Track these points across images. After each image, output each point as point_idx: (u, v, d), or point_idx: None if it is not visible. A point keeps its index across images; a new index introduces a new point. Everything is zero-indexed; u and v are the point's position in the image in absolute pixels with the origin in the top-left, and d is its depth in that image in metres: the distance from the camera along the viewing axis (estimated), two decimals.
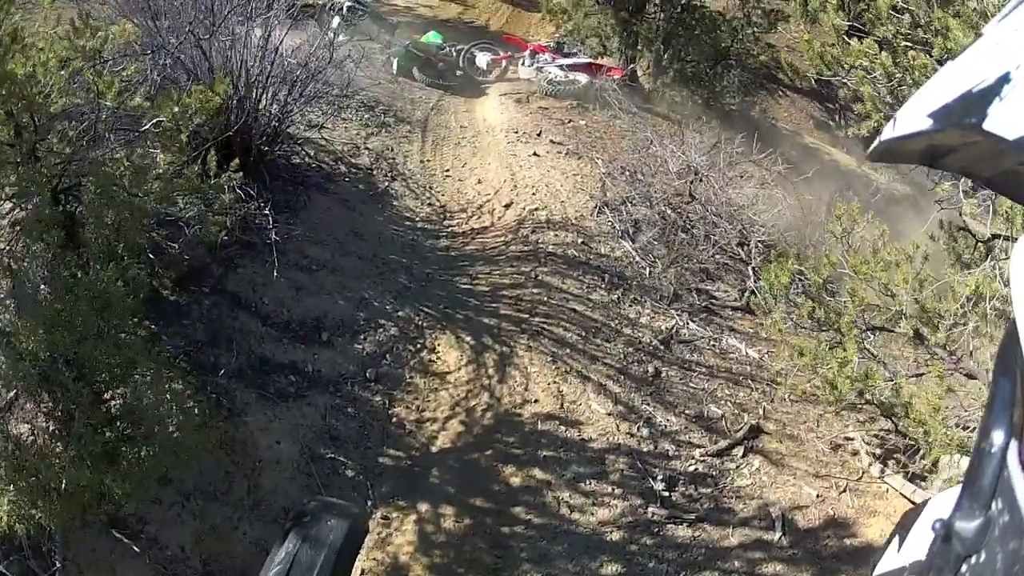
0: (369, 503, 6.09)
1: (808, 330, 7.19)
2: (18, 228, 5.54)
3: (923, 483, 6.96)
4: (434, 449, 6.68)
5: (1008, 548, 0.83)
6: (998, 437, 0.89)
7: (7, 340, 4.54)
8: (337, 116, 10.31)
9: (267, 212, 7.69)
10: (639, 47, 13.30)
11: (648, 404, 7.36)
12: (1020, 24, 0.82)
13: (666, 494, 6.68)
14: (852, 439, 7.45)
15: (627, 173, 10.36)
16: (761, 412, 7.55)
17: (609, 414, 7.14)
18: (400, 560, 5.85)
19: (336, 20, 12.22)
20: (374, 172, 9.78)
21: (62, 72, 4.92)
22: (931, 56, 6.56)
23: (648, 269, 8.87)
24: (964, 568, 0.89)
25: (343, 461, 6.34)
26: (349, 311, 7.52)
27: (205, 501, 5.71)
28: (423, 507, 6.20)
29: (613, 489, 6.61)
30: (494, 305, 8.03)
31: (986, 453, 0.90)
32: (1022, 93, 0.76)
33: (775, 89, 14.30)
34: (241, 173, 6.55)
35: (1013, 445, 0.88)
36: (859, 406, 6.81)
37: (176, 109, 5.48)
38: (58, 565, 4.95)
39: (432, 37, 13.50)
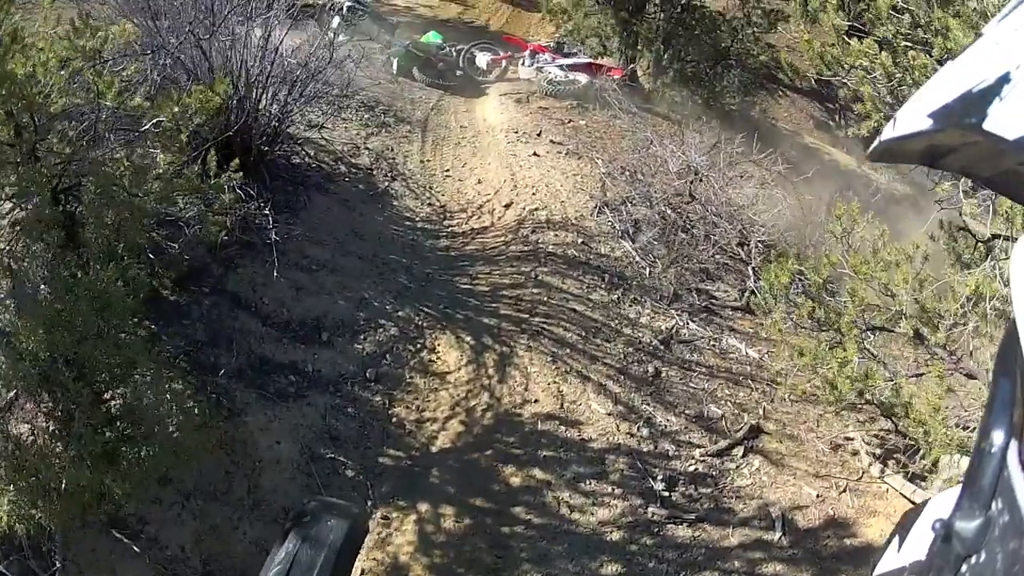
0: (369, 503, 6.09)
1: (808, 330, 7.19)
2: (18, 228, 5.54)
3: (923, 483, 6.96)
4: (434, 449, 6.68)
5: (1008, 548, 0.83)
6: (998, 437, 0.89)
7: (7, 340, 4.54)
8: (337, 116, 10.31)
9: (267, 212, 7.69)
10: (639, 47, 13.30)
11: (648, 404, 7.36)
12: (1020, 24, 0.82)
13: (666, 494, 6.68)
14: (852, 439, 7.45)
15: (627, 173, 10.36)
16: (761, 412, 7.55)
17: (609, 414, 7.14)
18: (400, 560, 5.85)
19: (336, 20, 12.22)
20: (374, 172, 9.78)
21: (62, 72, 4.92)
22: (931, 56, 6.55)
23: (648, 269, 8.87)
24: (964, 568, 0.89)
25: (343, 461, 6.34)
26: (349, 311, 7.52)
27: (205, 501, 5.71)
28: (423, 507, 6.20)
29: (613, 489, 6.61)
30: (494, 305, 8.03)
31: (986, 453, 0.90)
32: (1022, 93, 0.75)
33: (775, 89, 14.30)
34: (241, 173, 6.55)
35: (1013, 445, 0.87)
36: (859, 406, 6.81)
37: (176, 109, 5.48)
38: (58, 565, 4.95)
39: (432, 37, 13.50)
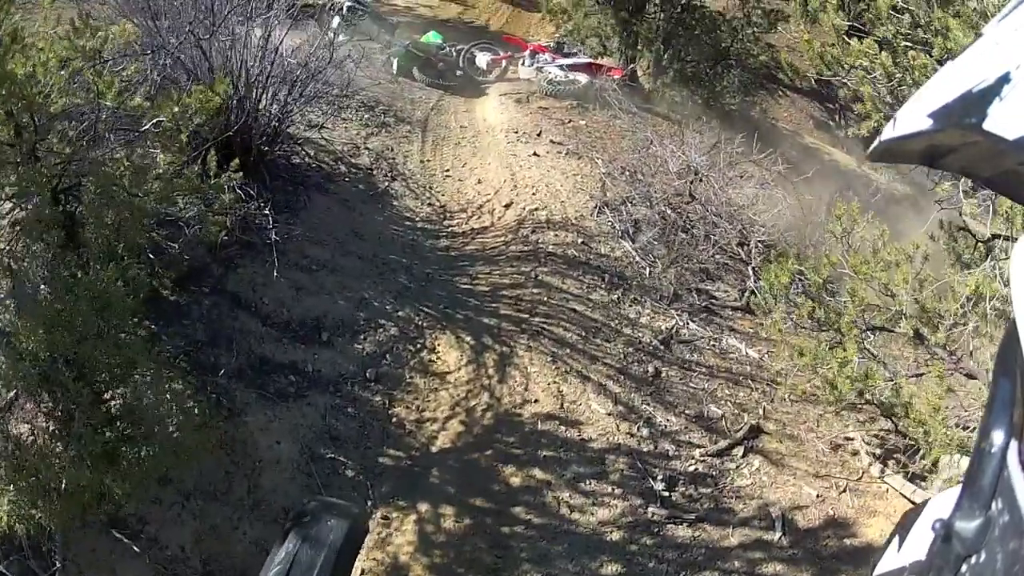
0: (369, 503, 6.09)
1: (808, 330, 7.19)
2: (18, 228, 5.54)
3: (923, 483, 6.96)
4: (434, 449, 6.68)
5: (1008, 548, 0.83)
6: (998, 437, 0.89)
7: (7, 340, 4.54)
8: (337, 116, 10.31)
9: (267, 212, 7.69)
10: (639, 47, 13.29)
11: (648, 404, 7.36)
12: (1020, 24, 0.82)
13: (666, 494, 6.67)
14: (852, 439, 7.45)
15: (627, 173, 10.36)
16: (761, 412, 7.55)
17: (609, 414, 7.14)
18: (400, 560, 5.85)
19: (336, 20, 12.21)
20: (374, 172, 9.78)
21: (62, 72, 4.92)
22: (931, 56, 6.55)
23: (648, 269, 8.87)
24: (964, 568, 0.89)
25: (343, 461, 6.34)
26: (349, 311, 7.52)
27: (205, 501, 5.71)
28: (423, 507, 6.20)
29: (613, 489, 6.61)
30: (494, 305, 8.03)
31: (986, 453, 0.90)
32: (1022, 93, 0.75)
33: (775, 89, 14.30)
34: (241, 173, 6.55)
35: (1013, 445, 0.87)
36: (859, 406, 6.81)
37: (176, 109, 5.48)
38: (58, 565, 4.95)
39: (432, 37, 13.49)
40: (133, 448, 4.75)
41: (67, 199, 5.38)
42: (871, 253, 6.64)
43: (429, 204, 9.62)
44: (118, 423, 4.83)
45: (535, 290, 8.19)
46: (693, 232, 9.43)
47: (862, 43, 7.28)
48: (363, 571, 5.68)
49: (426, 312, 7.75)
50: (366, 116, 10.77)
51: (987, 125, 0.77)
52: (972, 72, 0.82)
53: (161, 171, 5.62)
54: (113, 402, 5.02)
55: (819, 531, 6.70)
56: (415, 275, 8.25)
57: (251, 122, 7.86)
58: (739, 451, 7.18)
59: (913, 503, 6.34)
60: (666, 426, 7.22)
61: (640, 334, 8.08)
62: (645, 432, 7.11)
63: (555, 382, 7.29)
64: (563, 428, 6.97)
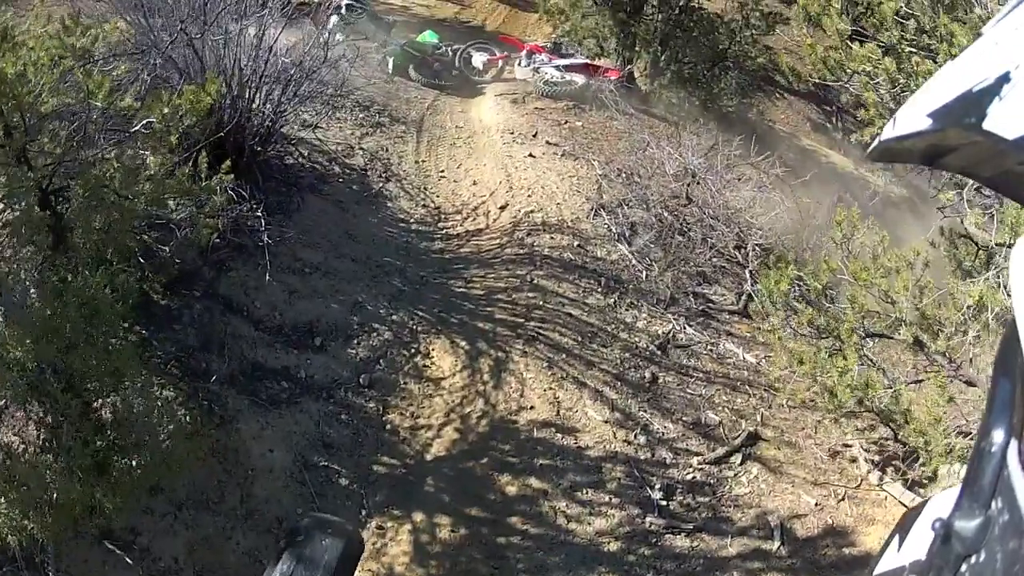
0: (363, 512, 6.00)
1: (807, 337, 7.12)
2: (7, 231, 5.42)
3: (922, 491, 6.92)
4: (429, 457, 6.60)
5: (1008, 547, 0.83)
6: (998, 436, 0.89)
7: None
8: (332, 116, 10.19)
9: (259, 214, 7.59)
10: (636, 48, 13.20)
11: (645, 411, 7.29)
12: (1020, 24, 0.82)
13: (664, 503, 6.61)
14: (850, 446, 7.40)
15: (623, 175, 10.28)
16: (759, 418, 7.49)
17: (606, 421, 7.07)
18: (395, 571, 5.77)
19: (333, 19, 12.09)
20: (368, 173, 9.67)
21: (53, 71, 4.81)
22: (935, 62, 6.50)
23: (645, 272, 8.80)
24: (964, 568, 0.89)
25: (337, 469, 6.25)
26: (342, 315, 7.42)
27: (197, 511, 5.62)
28: (418, 517, 6.11)
29: (610, 498, 6.54)
30: (489, 309, 7.95)
31: (986, 452, 0.90)
32: (1022, 93, 0.75)
33: (772, 91, 14.23)
34: (233, 175, 6.43)
35: (1013, 445, 0.87)
36: (858, 413, 6.76)
37: (166, 110, 5.38)
38: None
39: (428, 36, 13.38)
40: (123, 458, 4.65)
41: (57, 201, 5.27)
42: (871, 259, 6.59)
43: (424, 206, 9.52)
44: (108, 432, 4.73)
45: (530, 294, 8.11)
46: (690, 235, 9.36)
47: (864, 48, 7.21)
48: None
49: (420, 316, 7.66)
50: (361, 116, 10.65)
51: (987, 125, 0.77)
52: (972, 72, 0.83)
53: (152, 172, 5.51)
54: (103, 411, 4.92)
55: (817, 540, 6.66)
56: (409, 278, 8.15)
57: (244, 122, 7.76)
58: (737, 458, 7.13)
59: None
60: (663, 433, 7.15)
61: (637, 339, 8.00)
62: (642, 440, 7.04)
63: (551, 388, 7.21)
64: (559, 435, 6.89)
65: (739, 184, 10.24)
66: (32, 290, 4.88)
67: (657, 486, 6.69)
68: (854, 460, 7.32)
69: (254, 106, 7.97)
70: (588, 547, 6.18)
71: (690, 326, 8.37)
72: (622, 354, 7.75)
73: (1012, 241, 6.25)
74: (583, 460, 6.75)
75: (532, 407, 7.05)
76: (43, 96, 4.85)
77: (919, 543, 1.21)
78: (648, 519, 6.45)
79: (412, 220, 9.21)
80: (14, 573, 4.86)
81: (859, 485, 7.13)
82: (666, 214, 9.59)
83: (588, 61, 12.90)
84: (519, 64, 13.07)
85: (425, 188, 9.82)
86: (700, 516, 6.60)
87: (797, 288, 7.33)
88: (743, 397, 7.75)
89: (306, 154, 9.26)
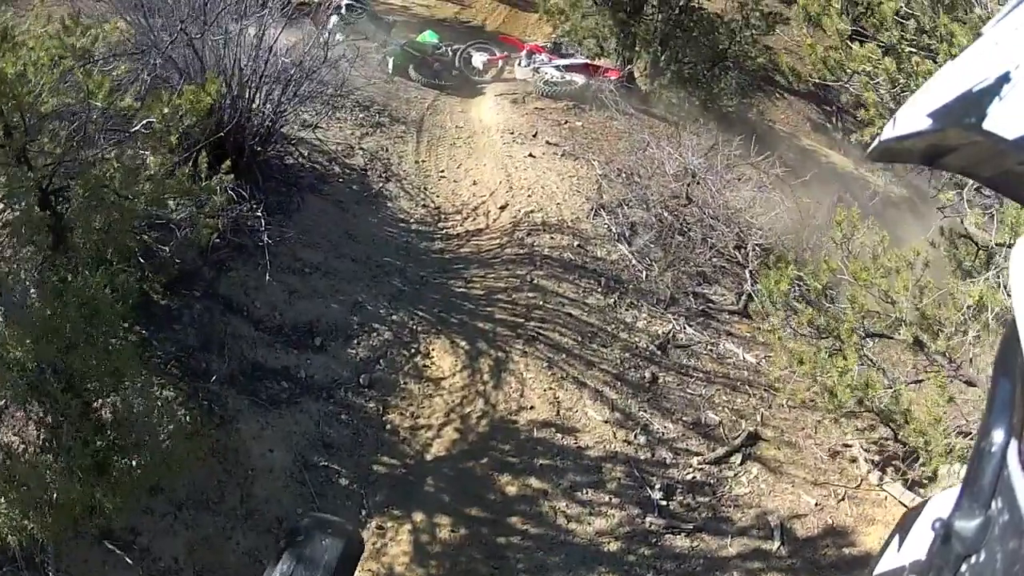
0: (363, 512, 6.00)
1: (807, 337, 7.12)
2: (7, 231, 5.42)
3: (922, 491, 6.92)
4: (429, 457, 6.59)
5: (1008, 547, 0.83)
6: (998, 436, 0.89)
7: None
8: (331, 116, 10.19)
9: (259, 214, 7.59)
10: (636, 48, 13.19)
11: (645, 411, 7.29)
12: (1020, 24, 0.82)
13: (664, 503, 6.61)
14: (850, 446, 7.40)
15: (624, 175, 10.28)
16: (759, 418, 7.49)
17: (606, 421, 7.07)
18: (395, 571, 5.77)
19: (334, 19, 12.08)
20: (368, 173, 9.67)
21: (53, 71, 4.81)
22: (935, 62, 6.50)
23: (645, 272, 8.80)
24: (964, 568, 0.89)
25: (337, 469, 6.25)
26: (342, 315, 7.42)
27: (197, 511, 5.62)
28: (418, 516, 6.11)
29: (610, 498, 6.54)
30: (489, 309, 7.94)
31: (986, 452, 0.90)
32: (1022, 93, 0.75)
33: (772, 91, 14.22)
34: (233, 175, 6.43)
35: (1013, 444, 0.87)
36: (858, 413, 6.76)
37: (166, 110, 5.37)
38: None
39: (428, 36, 13.37)
40: (123, 458, 4.65)
41: (57, 201, 5.27)
42: (871, 259, 6.58)
43: (424, 206, 9.51)
44: (108, 432, 4.73)
45: (530, 294, 8.11)
46: (690, 235, 9.36)
47: (864, 48, 7.21)
48: None
49: (420, 316, 7.66)
50: (361, 116, 10.64)
51: (987, 125, 0.77)
52: (972, 72, 0.83)
53: (152, 172, 5.51)
54: (103, 411, 4.91)
55: (817, 540, 6.66)
56: (409, 278, 8.15)
57: (244, 122, 7.75)
58: (737, 458, 7.12)
59: None
60: (663, 433, 7.15)
61: (637, 339, 8.00)
62: (642, 439, 7.04)
63: (551, 388, 7.21)
64: (559, 435, 6.89)
65: (739, 184, 10.24)
66: (32, 290, 4.88)
67: (657, 486, 6.69)
68: (854, 460, 7.31)
69: (254, 106, 7.97)
70: (588, 547, 6.18)
71: (690, 326, 8.37)
72: (622, 354, 7.75)
73: (1012, 241, 6.24)
74: (583, 460, 6.75)
75: (532, 407, 7.05)
76: (43, 96, 4.85)
77: (919, 543, 1.21)
78: (648, 519, 6.45)
79: (412, 220, 9.21)
80: (14, 573, 4.86)
81: (859, 485, 7.12)
82: (666, 214, 9.59)
83: (588, 61, 12.89)
84: (519, 64, 13.06)
85: (425, 188, 9.82)
86: (700, 516, 6.60)
87: (797, 288, 7.33)
88: (743, 397, 7.75)
89: (306, 154, 9.25)
